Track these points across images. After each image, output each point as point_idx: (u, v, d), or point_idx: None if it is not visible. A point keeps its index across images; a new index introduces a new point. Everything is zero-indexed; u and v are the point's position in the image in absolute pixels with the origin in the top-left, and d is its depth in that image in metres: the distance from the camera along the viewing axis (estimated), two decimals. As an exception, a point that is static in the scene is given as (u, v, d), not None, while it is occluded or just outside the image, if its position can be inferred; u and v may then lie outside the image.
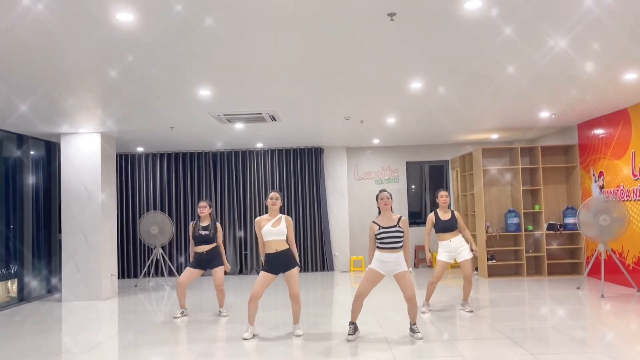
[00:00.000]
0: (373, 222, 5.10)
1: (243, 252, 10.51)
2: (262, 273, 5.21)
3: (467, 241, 6.19)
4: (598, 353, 4.35)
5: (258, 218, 5.36)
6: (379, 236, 4.99)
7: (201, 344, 5.11)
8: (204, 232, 6.36)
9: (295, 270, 5.24)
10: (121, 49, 4.17)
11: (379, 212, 5.15)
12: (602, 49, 4.59)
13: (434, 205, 6.27)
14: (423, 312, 6.13)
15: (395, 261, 4.96)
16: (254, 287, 5.18)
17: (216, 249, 6.42)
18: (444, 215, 6.17)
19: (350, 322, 5.12)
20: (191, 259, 6.43)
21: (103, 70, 4.74)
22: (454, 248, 6.09)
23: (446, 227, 6.11)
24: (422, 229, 10.65)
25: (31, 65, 4.53)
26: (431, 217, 6.24)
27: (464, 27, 3.94)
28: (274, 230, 5.20)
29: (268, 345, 4.96)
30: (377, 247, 5.04)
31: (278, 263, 5.21)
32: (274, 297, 7.50)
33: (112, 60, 4.48)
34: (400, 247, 5.00)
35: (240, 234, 10.51)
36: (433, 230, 6.27)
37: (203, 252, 6.35)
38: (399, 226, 5.00)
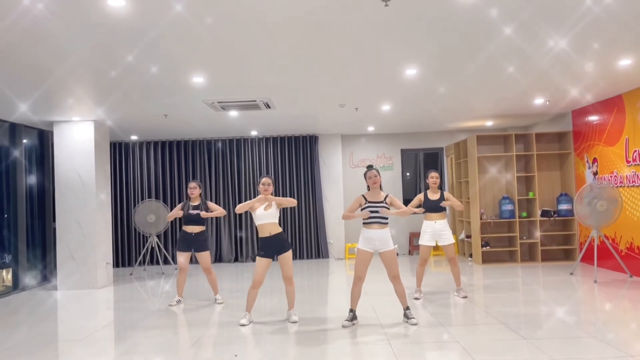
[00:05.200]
0: (362, 195, 5.14)
1: (238, 240, 10.51)
2: (258, 259, 5.25)
3: (453, 203, 6.19)
4: (591, 338, 4.41)
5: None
6: (364, 210, 5.03)
7: (197, 330, 5.12)
8: (194, 212, 6.36)
9: (289, 253, 5.30)
10: (113, 35, 4.12)
11: (368, 189, 5.18)
12: (596, 35, 4.58)
13: (430, 193, 6.33)
14: (416, 298, 6.17)
15: (382, 239, 4.99)
16: (256, 274, 5.22)
17: (204, 233, 6.43)
18: (433, 196, 6.25)
19: (350, 308, 5.17)
20: (171, 215, 6.45)
21: (95, 57, 4.68)
22: (437, 230, 6.17)
23: (433, 207, 6.21)
24: (417, 216, 10.66)
25: (21, 54, 4.47)
26: (420, 195, 6.35)
27: (458, 12, 3.92)
28: (266, 213, 5.23)
29: (264, 332, 4.98)
30: (364, 223, 5.07)
31: (272, 246, 5.25)
32: (270, 283, 7.52)
33: (104, 48, 4.42)
34: (386, 223, 5.03)
35: (234, 222, 10.51)
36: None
37: (192, 234, 6.35)
38: (386, 202, 5.03)
